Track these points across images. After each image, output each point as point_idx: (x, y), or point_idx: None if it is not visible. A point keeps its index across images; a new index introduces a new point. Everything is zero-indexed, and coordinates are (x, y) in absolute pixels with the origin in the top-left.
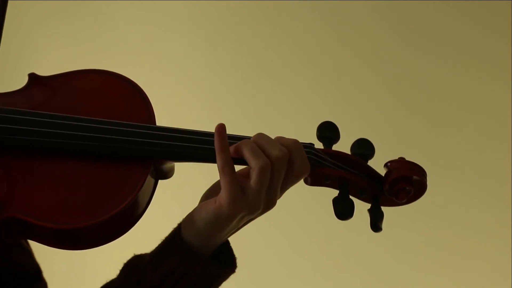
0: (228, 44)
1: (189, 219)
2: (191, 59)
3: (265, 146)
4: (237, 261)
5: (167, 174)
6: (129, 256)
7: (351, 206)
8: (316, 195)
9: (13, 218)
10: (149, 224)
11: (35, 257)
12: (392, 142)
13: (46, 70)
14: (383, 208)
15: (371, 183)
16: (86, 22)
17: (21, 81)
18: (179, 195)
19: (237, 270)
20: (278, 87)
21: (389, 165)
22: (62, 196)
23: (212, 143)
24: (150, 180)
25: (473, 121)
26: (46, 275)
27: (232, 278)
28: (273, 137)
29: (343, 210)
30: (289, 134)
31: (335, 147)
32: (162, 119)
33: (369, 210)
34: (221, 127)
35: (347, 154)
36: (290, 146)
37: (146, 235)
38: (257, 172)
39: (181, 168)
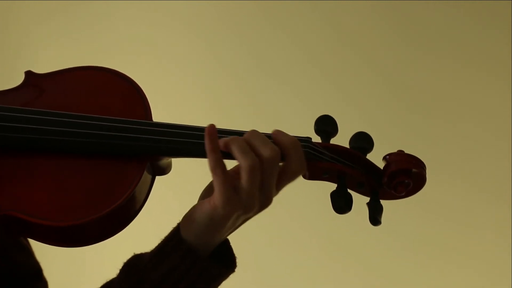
0: (228, 43)
1: (187, 218)
2: (190, 59)
3: (256, 145)
4: (237, 260)
5: (164, 170)
6: (128, 255)
7: (349, 199)
8: (316, 190)
9: (9, 216)
10: (148, 221)
11: (35, 256)
12: (392, 140)
13: (45, 69)
14: (382, 202)
15: (369, 177)
16: (85, 22)
17: (20, 81)
18: (177, 191)
19: (237, 269)
20: (278, 86)
21: (387, 158)
22: (58, 193)
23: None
24: (146, 176)
25: (473, 118)
26: (45, 274)
27: (231, 275)
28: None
29: (341, 204)
30: (288, 131)
31: (333, 141)
32: (162, 119)
33: (368, 204)
34: (211, 128)
35: (345, 148)
36: (287, 145)
37: (145, 233)
38: (245, 171)
39: (178, 164)
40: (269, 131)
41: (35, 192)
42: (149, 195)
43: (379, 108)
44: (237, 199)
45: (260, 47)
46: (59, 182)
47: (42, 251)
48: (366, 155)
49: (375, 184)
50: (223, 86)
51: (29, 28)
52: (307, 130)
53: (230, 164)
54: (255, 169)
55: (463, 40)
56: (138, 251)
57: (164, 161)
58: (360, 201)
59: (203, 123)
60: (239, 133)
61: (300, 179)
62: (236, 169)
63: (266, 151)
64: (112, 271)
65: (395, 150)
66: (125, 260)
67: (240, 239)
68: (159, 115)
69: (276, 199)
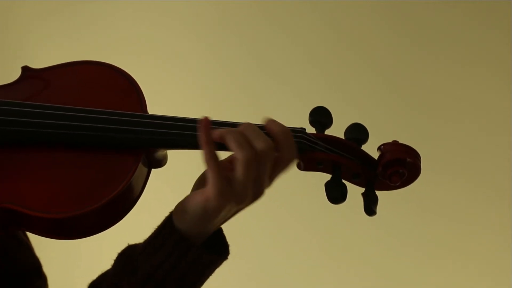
0: (228, 43)
1: (180, 208)
2: (190, 58)
3: (251, 137)
4: (232, 250)
5: (160, 162)
6: (122, 246)
7: (344, 190)
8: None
9: (5, 209)
10: (143, 213)
11: (34, 252)
12: (388, 132)
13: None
14: (378, 192)
15: (364, 167)
16: (85, 21)
17: None
18: (172, 183)
19: (231, 258)
20: (277, 85)
21: (382, 148)
22: (54, 186)
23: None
24: (142, 168)
25: (472, 116)
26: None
27: (230, 272)
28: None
29: (335, 194)
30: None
31: (329, 133)
32: None
33: (363, 194)
34: (205, 121)
35: (340, 138)
36: (278, 135)
37: (139, 225)
38: (241, 164)
39: (172, 156)
40: None
41: (31, 185)
42: (145, 187)
43: (378, 106)
44: (230, 191)
45: (259, 47)
46: (54, 175)
47: (37, 245)
48: (361, 146)
49: (370, 174)
50: (223, 85)
51: (28, 27)
52: (303, 124)
53: (224, 155)
54: (251, 162)
55: (461, 36)
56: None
57: (160, 153)
58: (355, 193)
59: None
60: (233, 125)
61: (295, 171)
62: (230, 159)
63: (259, 143)
64: (107, 264)
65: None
66: (119, 251)
67: (237, 234)
68: (158, 113)
69: (272, 193)
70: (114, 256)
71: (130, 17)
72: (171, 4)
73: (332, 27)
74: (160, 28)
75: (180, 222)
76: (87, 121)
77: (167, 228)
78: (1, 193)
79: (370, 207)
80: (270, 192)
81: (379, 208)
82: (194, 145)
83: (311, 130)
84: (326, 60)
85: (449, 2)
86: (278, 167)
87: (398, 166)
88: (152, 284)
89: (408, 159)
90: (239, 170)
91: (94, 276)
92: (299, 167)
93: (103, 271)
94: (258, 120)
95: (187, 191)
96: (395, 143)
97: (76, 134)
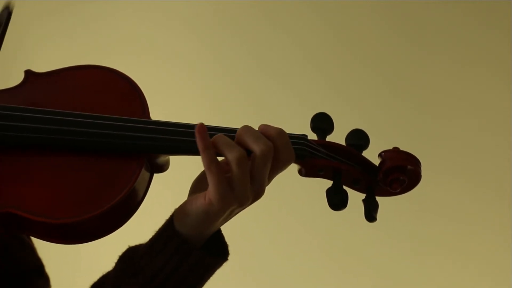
0: (228, 43)
1: (181, 211)
2: (190, 58)
3: (249, 141)
4: (232, 252)
5: (162, 167)
6: (122, 249)
7: (345, 196)
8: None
9: (9, 214)
10: (141, 216)
11: (37, 253)
12: (389, 139)
13: (44, 69)
14: (378, 198)
15: (365, 174)
16: (84, 21)
17: (18, 80)
18: (171, 187)
19: (230, 258)
20: (277, 86)
21: (383, 155)
22: (57, 191)
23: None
24: (144, 173)
25: (472, 117)
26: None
27: (231, 273)
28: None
29: (336, 201)
30: (287, 130)
31: (329, 138)
32: (161, 118)
33: (363, 200)
34: (200, 127)
35: (341, 145)
36: (274, 136)
37: (139, 230)
38: (234, 164)
39: (173, 161)
40: None
41: (34, 190)
42: (147, 192)
43: (378, 107)
44: (232, 194)
45: (260, 47)
46: (57, 180)
47: (36, 246)
48: (362, 152)
49: (371, 181)
50: (223, 85)
51: (27, 27)
52: (306, 129)
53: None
54: (242, 160)
55: (461, 37)
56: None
57: (162, 158)
58: (356, 198)
59: (202, 121)
60: (232, 130)
61: (297, 177)
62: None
63: (260, 145)
64: (106, 266)
65: (391, 148)
66: (120, 253)
67: (238, 237)
68: (158, 114)
69: (273, 197)
70: (114, 258)
71: (129, 17)
72: (171, 4)
73: (334, 28)
74: (160, 28)
75: (181, 225)
76: (91, 127)
77: (169, 231)
78: (4, 198)
79: (370, 213)
80: (271, 196)
81: (379, 209)
82: (196, 151)
83: (312, 136)
84: (325, 59)
85: (450, 3)
86: (276, 168)
87: (399, 173)
88: (153, 287)
89: (409, 166)
90: (234, 171)
91: (93, 277)
92: (300, 173)
93: (104, 273)
94: (258, 119)
95: (186, 195)
96: (396, 150)
97: (79, 139)
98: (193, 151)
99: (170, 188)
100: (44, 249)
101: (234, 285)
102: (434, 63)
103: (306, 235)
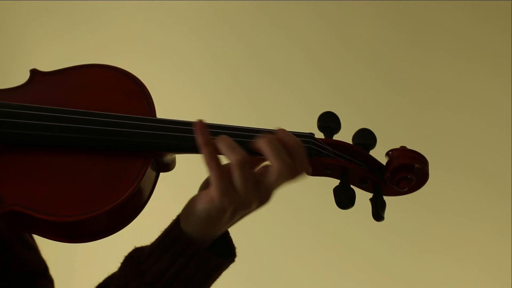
0: (228, 43)
1: (186, 210)
2: (190, 58)
3: (271, 153)
4: (238, 252)
5: (168, 166)
6: (122, 251)
7: (352, 195)
8: (319, 186)
9: (14, 212)
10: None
11: (41, 254)
12: (393, 136)
13: (42, 68)
14: (385, 198)
15: (372, 172)
16: (83, 21)
17: (17, 79)
18: (174, 189)
19: (237, 260)
20: (278, 85)
21: (390, 153)
22: (63, 189)
23: (211, 134)
24: (150, 172)
25: (475, 115)
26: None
27: (236, 274)
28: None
29: (344, 200)
30: (288, 129)
31: (336, 138)
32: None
33: (371, 199)
34: (199, 124)
35: (348, 144)
36: (290, 146)
37: (137, 229)
38: (235, 167)
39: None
40: (269, 127)
41: (40, 188)
42: (153, 191)
43: (380, 105)
44: (233, 192)
45: (260, 47)
46: (63, 178)
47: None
48: (369, 151)
49: (378, 180)
50: (223, 85)
51: (26, 26)
52: (306, 128)
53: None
54: (243, 164)
55: (464, 37)
56: (131, 247)
57: (168, 157)
58: (363, 196)
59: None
60: (232, 128)
61: (303, 176)
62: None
63: (278, 162)
64: (105, 267)
65: (398, 146)
66: (125, 253)
67: (243, 236)
68: (158, 114)
69: (279, 195)
70: (112, 262)
71: (129, 16)
72: (171, 4)
73: (334, 27)
74: (160, 27)
75: (187, 225)
76: (98, 125)
77: (175, 231)
78: (10, 196)
79: (378, 212)
80: (276, 195)
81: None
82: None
83: (319, 134)
84: (326, 59)
85: (452, 2)
86: (287, 176)
87: (406, 172)
88: (159, 287)
89: (416, 165)
90: (235, 173)
91: (92, 279)
92: (307, 171)
93: (109, 274)
94: (258, 118)
95: (188, 195)
96: (403, 149)
97: (86, 137)
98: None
99: (171, 188)
100: (42, 249)
101: (238, 285)
102: (436, 62)
103: (312, 235)
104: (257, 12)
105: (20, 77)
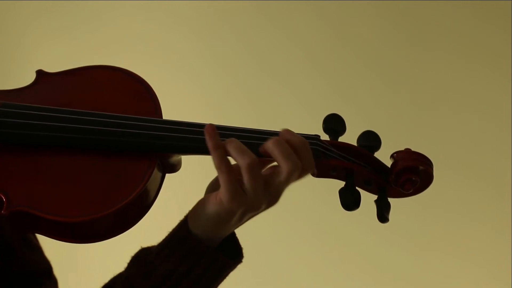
0: (228, 43)
1: (194, 211)
2: (190, 58)
3: (280, 155)
4: (244, 252)
5: (174, 167)
6: (123, 253)
7: (358, 197)
8: (324, 187)
9: (20, 212)
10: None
11: (45, 255)
12: (393, 136)
13: (42, 67)
14: (390, 199)
15: (377, 174)
16: (83, 21)
17: (18, 79)
18: (177, 191)
19: (244, 260)
20: (278, 86)
21: (395, 155)
22: (69, 189)
23: (219, 136)
24: (156, 173)
25: (476, 116)
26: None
27: (242, 275)
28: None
29: (349, 201)
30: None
31: (341, 140)
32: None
33: (375, 201)
34: (209, 127)
35: (353, 146)
36: (296, 145)
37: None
38: (245, 171)
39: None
40: (270, 128)
41: (46, 188)
42: (159, 192)
43: (380, 104)
44: (243, 195)
45: (260, 47)
46: (70, 178)
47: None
48: (374, 153)
49: (383, 181)
50: (223, 85)
51: (25, 26)
52: (307, 129)
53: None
54: (253, 167)
55: (464, 37)
56: (132, 251)
57: (175, 158)
58: (364, 197)
59: (202, 121)
60: (239, 130)
61: (308, 177)
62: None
63: (288, 164)
64: (104, 268)
65: (402, 148)
66: (132, 254)
67: (248, 237)
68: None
69: (284, 197)
70: (112, 262)
71: (129, 16)
72: (171, 3)
73: (335, 28)
74: (160, 27)
75: (195, 225)
76: (106, 125)
77: (183, 232)
78: (17, 196)
79: (383, 214)
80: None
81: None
82: (208, 151)
83: (324, 136)
84: (326, 60)
85: (452, 2)
86: (294, 176)
87: (411, 174)
88: (167, 287)
89: (421, 167)
90: (245, 177)
91: (92, 278)
92: (312, 173)
93: (115, 274)
94: (259, 119)
95: (192, 196)
96: (407, 151)
97: (93, 138)
98: (206, 151)
99: (171, 188)
100: (45, 249)
101: (243, 285)
102: (436, 62)
103: (317, 236)
104: (257, 12)
105: (20, 77)
